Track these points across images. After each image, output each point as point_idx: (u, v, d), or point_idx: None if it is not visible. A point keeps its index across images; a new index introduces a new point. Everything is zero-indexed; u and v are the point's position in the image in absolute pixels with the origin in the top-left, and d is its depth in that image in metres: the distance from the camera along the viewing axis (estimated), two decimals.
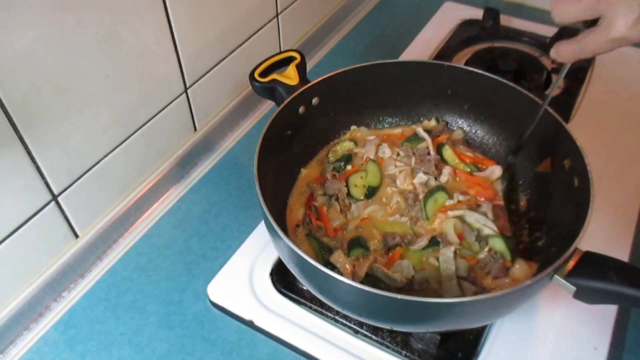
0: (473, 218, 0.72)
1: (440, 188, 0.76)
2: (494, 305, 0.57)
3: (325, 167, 0.81)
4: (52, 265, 0.73)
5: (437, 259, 0.69)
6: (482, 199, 0.76)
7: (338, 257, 0.68)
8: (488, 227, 0.71)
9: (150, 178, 0.85)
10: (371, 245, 0.71)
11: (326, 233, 0.73)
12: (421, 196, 0.76)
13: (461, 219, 0.73)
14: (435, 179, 0.78)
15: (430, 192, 0.76)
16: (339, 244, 0.71)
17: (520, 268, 0.67)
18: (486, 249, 0.69)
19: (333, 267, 0.67)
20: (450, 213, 0.73)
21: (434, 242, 0.70)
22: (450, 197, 0.75)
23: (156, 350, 0.69)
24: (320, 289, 0.62)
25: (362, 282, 0.58)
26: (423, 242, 0.70)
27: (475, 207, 0.74)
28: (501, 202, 0.75)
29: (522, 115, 0.76)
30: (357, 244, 0.71)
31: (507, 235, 0.71)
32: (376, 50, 1.16)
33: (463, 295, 0.64)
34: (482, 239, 0.71)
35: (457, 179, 0.79)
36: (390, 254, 0.70)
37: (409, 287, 0.67)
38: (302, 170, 0.82)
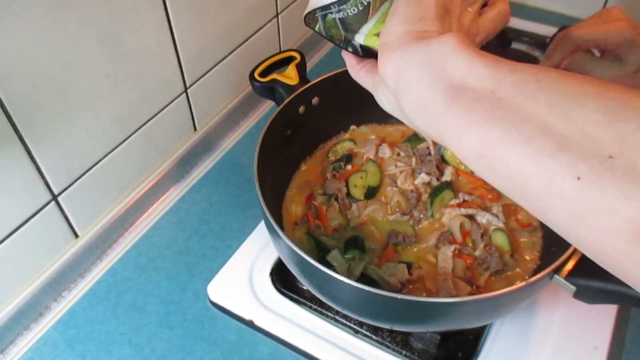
0: (485, 218, 0.72)
1: (447, 185, 0.76)
2: (493, 305, 0.57)
3: (325, 167, 0.81)
4: (52, 265, 0.73)
5: (436, 257, 0.69)
6: (489, 198, 0.76)
7: (335, 256, 0.68)
8: (499, 227, 0.71)
9: (150, 178, 0.85)
10: (368, 245, 0.71)
11: (324, 232, 0.73)
12: (424, 196, 0.76)
13: (471, 217, 0.73)
14: (438, 179, 0.78)
15: (437, 190, 0.76)
16: (336, 243, 0.71)
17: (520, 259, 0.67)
18: (481, 245, 0.69)
19: (330, 266, 0.67)
20: (462, 211, 0.73)
21: (442, 240, 0.70)
22: (455, 195, 0.76)
23: (156, 350, 0.69)
24: (320, 288, 0.62)
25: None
26: (432, 242, 0.71)
27: (485, 207, 0.74)
28: (509, 202, 0.75)
29: None
30: (353, 244, 0.71)
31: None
32: None
33: (457, 294, 0.64)
34: (486, 235, 0.71)
35: (460, 178, 0.79)
36: (385, 250, 0.70)
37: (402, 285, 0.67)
38: (300, 166, 0.82)
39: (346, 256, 0.69)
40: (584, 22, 0.64)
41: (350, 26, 0.45)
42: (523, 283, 0.54)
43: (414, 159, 0.80)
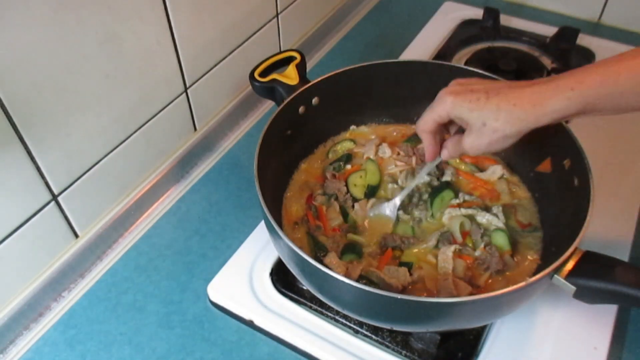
0: (485, 218, 0.72)
1: (446, 186, 0.76)
2: (493, 305, 0.58)
3: (325, 167, 0.81)
4: (52, 265, 0.73)
5: (436, 257, 0.69)
6: (489, 198, 0.76)
7: (331, 259, 0.67)
8: (499, 227, 0.71)
9: (150, 178, 0.85)
10: (366, 249, 0.71)
11: (324, 232, 0.73)
12: (425, 196, 0.75)
13: (471, 217, 0.72)
14: (438, 179, 0.78)
15: (437, 190, 0.75)
16: (335, 245, 0.71)
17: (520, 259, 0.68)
18: (481, 246, 0.69)
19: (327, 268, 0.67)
20: (462, 211, 0.73)
21: (442, 240, 0.70)
22: (456, 195, 0.75)
23: (156, 350, 0.69)
24: (320, 288, 0.62)
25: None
26: (432, 242, 0.70)
27: (485, 207, 0.74)
28: (509, 202, 0.75)
29: None
30: (351, 249, 0.70)
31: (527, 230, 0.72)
32: (376, 50, 1.16)
33: (457, 294, 0.64)
34: (486, 235, 0.71)
35: (460, 178, 0.79)
36: (384, 254, 0.70)
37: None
38: (300, 166, 0.82)
39: (342, 260, 0.69)
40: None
41: None
42: (523, 283, 0.54)
43: (414, 159, 0.80)
